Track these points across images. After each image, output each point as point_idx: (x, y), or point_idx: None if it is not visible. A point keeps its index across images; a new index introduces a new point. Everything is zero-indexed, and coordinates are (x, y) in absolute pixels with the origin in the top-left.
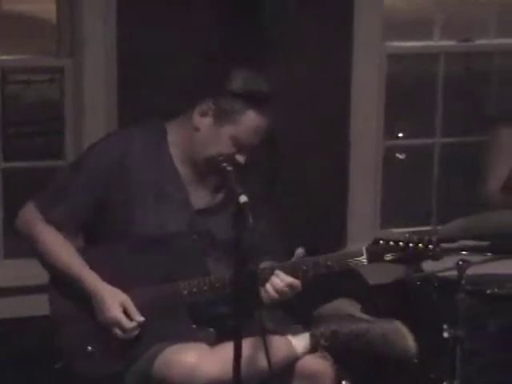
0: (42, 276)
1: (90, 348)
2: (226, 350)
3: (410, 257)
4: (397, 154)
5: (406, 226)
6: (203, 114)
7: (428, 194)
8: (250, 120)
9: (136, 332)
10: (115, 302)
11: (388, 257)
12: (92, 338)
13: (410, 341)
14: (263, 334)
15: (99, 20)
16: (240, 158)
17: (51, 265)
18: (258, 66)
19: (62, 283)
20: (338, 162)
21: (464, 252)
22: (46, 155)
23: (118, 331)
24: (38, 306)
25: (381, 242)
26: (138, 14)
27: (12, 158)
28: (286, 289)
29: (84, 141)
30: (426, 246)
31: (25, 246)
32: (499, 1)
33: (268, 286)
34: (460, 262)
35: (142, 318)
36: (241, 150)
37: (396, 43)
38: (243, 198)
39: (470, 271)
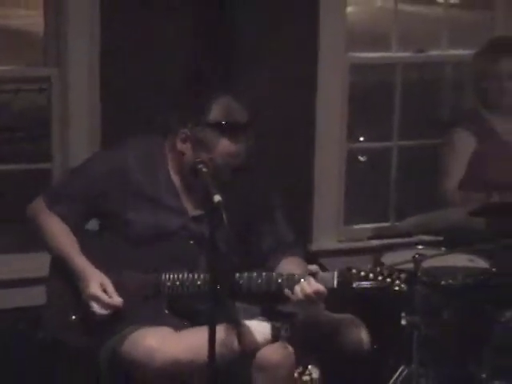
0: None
1: (73, 317)
2: (190, 334)
3: (375, 289)
4: (358, 156)
5: (367, 223)
6: (183, 141)
7: (387, 193)
8: (224, 148)
9: (111, 311)
10: (96, 281)
11: (356, 284)
12: (76, 310)
13: (363, 334)
14: (235, 322)
15: (84, 33)
16: (225, 177)
17: (50, 247)
18: (231, 76)
19: (59, 263)
20: (304, 163)
21: (420, 246)
22: (34, 158)
23: (95, 307)
24: None
25: (353, 270)
26: (120, 28)
27: (2, 161)
28: (313, 295)
29: (69, 145)
30: (393, 282)
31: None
32: (450, 16)
33: (296, 289)
34: (416, 256)
35: (118, 299)
36: (222, 171)
37: (358, 54)
38: (217, 198)
39: (425, 264)
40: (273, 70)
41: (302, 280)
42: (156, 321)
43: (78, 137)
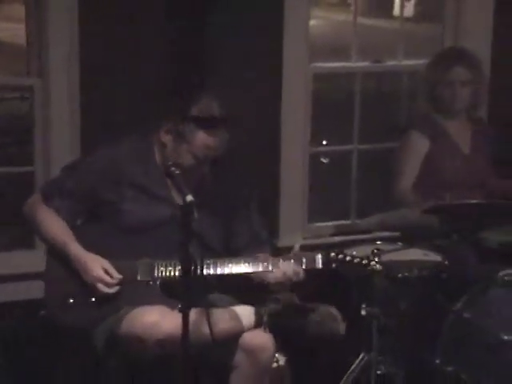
0: None
1: (71, 300)
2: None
3: (353, 269)
4: (321, 159)
5: (330, 221)
6: (166, 133)
7: (347, 193)
8: (201, 140)
9: (117, 288)
10: (97, 264)
11: (336, 265)
12: (74, 294)
13: (340, 324)
14: (207, 307)
15: (64, 44)
16: (204, 168)
17: (46, 238)
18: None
19: (55, 251)
20: (271, 166)
21: (379, 242)
22: (18, 162)
23: (101, 287)
24: None
25: (332, 253)
26: (99, 39)
27: None
28: (293, 275)
29: (51, 149)
30: (369, 262)
31: None
32: (405, 29)
33: (277, 271)
34: (375, 251)
35: (120, 276)
36: (200, 162)
37: (320, 64)
38: (189, 198)
39: (384, 258)
40: (241, 79)
41: (282, 261)
42: (149, 302)
43: (58, 142)
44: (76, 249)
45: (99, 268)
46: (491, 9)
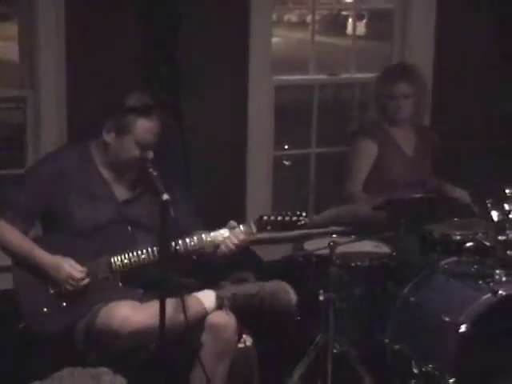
0: None
1: (45, 309)
2: (152, 306)
3: (284, 226)
4: (283, 161)
5: None
6: (108, 131)
7: (306, 191)
8: (142, 126)
9: (86, 281)
10: (64, 264)
11: (269, 228)
12: (46, 303)
13: (292, 295)
14: (181, 295)
15: (53, 59)
16: (149, 154)
17: (9, 251)
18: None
19: (21, 263)
20: (238, 168)
21: (334, 235)
22: (11, 165)
23: (71, 282)
24: None
25: (264, 217)
26: (83, 55)
27: None
28: (240, 243)
29: (41, 153)
30: (298, 218)
31: None
32: (357, 46)
33: (227, 241)
34: (331, 243)
35: (85, 268)
36: (145, 148)
37: (281, 77)
38: (165, 196)
39: (338, 250)
40: (211, 92)
41: (230, 234)
42: (115, 295)
43: (48, 146)
44: (40, 253)
45: (68, 266)
46: (433, 29)
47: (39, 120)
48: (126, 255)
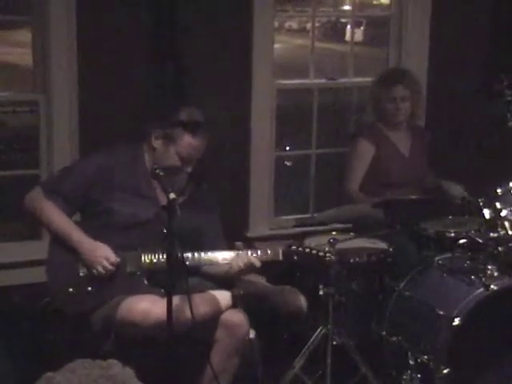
0: None
1: (70, 289)
2: (174, 300)
3: (312, 260)
4: (285, 162)
5: (292, 214)
6: (156, 138)
7: (307, 191)
8: (186, 141)
9: (112, 270)
10: (101, 246)
11: (296, 258)
12: (73, 284)
13: (302, 301)
14: (188, 292)
15: (64, 65)
16: (187, 168)
17: (49, 228)
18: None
19: (59, 242)
20: (242, 168)
21: (334, 232)
22: (25, 166)
23: (105, 264)
24: None
25: (293, 247)
26: (94, 61)
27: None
28: (244, 267)
29: (54, 154)
30: (325, 254)
31: None
32: (355, 51)
33: (237, 260)
34: (331, 240)
35: (118, 259)
36: (186, 162)
37: (283, 81)
38: (172, 195)
39: (338, 246)
40: (216, 95)
41: (240, 253)
42: (138, 291)
43: (60, 148)
44: (79, 234)
45: (104, 248)
46: (428, 35)
47: (51, 123)
48: (156, 255)
